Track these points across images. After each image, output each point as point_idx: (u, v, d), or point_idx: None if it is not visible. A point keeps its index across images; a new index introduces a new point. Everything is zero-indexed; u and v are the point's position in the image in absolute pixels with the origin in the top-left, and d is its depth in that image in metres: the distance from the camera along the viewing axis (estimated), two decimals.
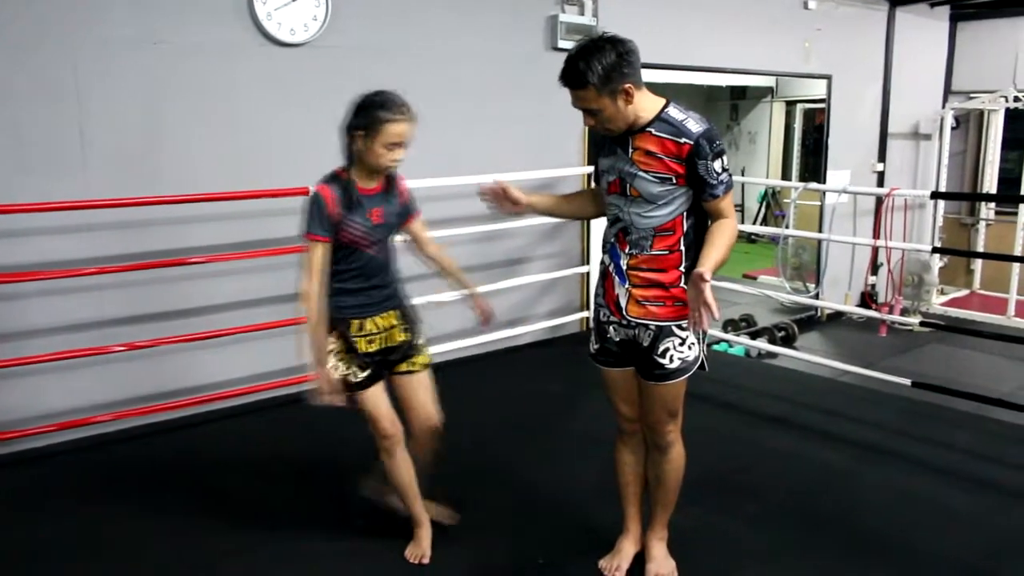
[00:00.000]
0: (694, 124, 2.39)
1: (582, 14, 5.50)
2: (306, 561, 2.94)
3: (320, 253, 2.64)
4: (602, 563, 2.84)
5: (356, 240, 2.67)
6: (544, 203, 2.80)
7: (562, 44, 5.35)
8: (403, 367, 2.86)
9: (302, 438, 3.99)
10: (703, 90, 11.01)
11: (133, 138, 3.99)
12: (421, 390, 2.89)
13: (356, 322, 2.74)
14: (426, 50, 4.88)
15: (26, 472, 3.67)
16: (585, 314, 5.76)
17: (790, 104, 11.43)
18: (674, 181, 2.40)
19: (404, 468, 2.86)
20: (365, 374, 2.76)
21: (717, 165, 2.38)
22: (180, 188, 4.02)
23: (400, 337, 2.84)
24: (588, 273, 5.69)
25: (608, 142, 2.54)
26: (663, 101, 2.44)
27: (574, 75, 2.35)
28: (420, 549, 2.89)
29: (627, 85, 2.34)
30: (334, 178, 2.67)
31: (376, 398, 2.80)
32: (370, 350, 2.77)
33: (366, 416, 2.80)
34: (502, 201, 2.72)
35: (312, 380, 2.68)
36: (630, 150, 2.45)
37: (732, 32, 6.51)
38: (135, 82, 3.97)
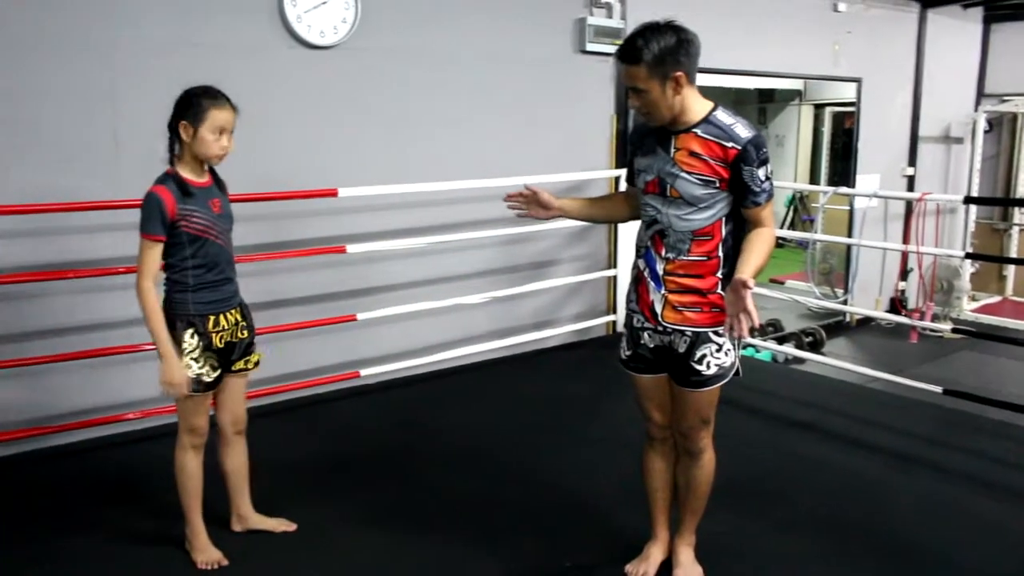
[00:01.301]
0: (743, 129, 2.36)
1: (610, 17, 5.49)
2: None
3: (157, 253, 2.65)
4: (629, 568, 2.82)
5: (204, 231, 2.68)
6: (574, 207, 2.77)
7: (590, 47, 5.35)
8: (239, 365, 2.87)
9: (333, 434, 4.01)
10: (730, 93, 10.95)
11: (165, 139, 4.01)
12: (240, 393, 2.92)
13: (212, 317, 2.74)
14: (455, 52, 4.89)
15: (51, 469, 3.70)
16: (612, 318, 5.74)
17: (819, 107, 11.33)
18: (717, 185, 2.37)
19: (200, 471, 2.86)
20: (216, 373, 2.77)
21: (761, 173, 2.36)
22: None
23: (241, 335, 2.85)
24: (615, 277, 5.68)
25: (648, 141, 2.50)
26: (711, 104, 2.42)
27: (629, 49, 2.32)
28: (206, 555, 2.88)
29: (678, 73, 2.31)
30: (166, 177, 2.69)
31: (205, 401, 2.81)
32: (219, 347, 2.77)
33: (188, 413, 2.77)
34: (532, 205, 2.70)
35: (168, 374, 2.65)
36: (672, 150, 2.41)
37: (760, 35, 6.47)
38: (167, 83, 3.94)
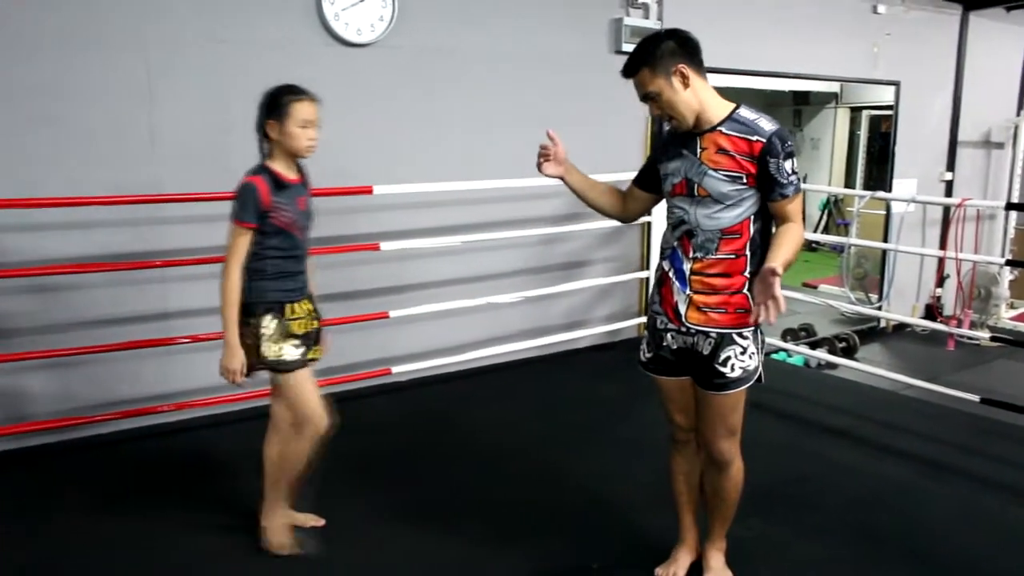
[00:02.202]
0: (767, 123, 2.39)
1: (647, 17, 5.47)
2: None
3: (247, 240, 2.72)
4: (659, 571, 2.81)
5: (290, 224, 2.76)
6: (578, 180, 2.80)
7: (626, 47, 5.32)
8: (311, 354, 2.92)
9: (365, 431, 4.03)
10: (764, 95, 10.87)
11: (201, 135, 4.07)
12: (313, 379, 2.93)
13: (288, 306, 2.80)
14: (490, 52, 4.90)
15: (87, 459, 3.76)
16: (643, 319, 5.72)
17: (855, 110, 11.22)
18: (744, 180, 2.38)
19: (306, 457, 2.88)
20: (299, 352, 2.81)
21: (788, 165, 2.37)
22: None
23: (313, 325, 2.90)
24: (648, 278, 5.66)
25: (673, 145, 2.51)
26: (733, 104, 2.44)
27: (630, 62, 2.41)
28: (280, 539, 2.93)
29: (680, 66, 2.36)
30: (261, 168, 2.77)
31: (308, 379, 2.85)
32: (299, 333, 2.83)
33: (292, 394, 2.81)
34: (547, 153, 2.75)
35: (227, 359, 2.72)
36: (698, 150, 2.43)
37: (798, 36, 6.41)
38: (204, 80, 4.06)
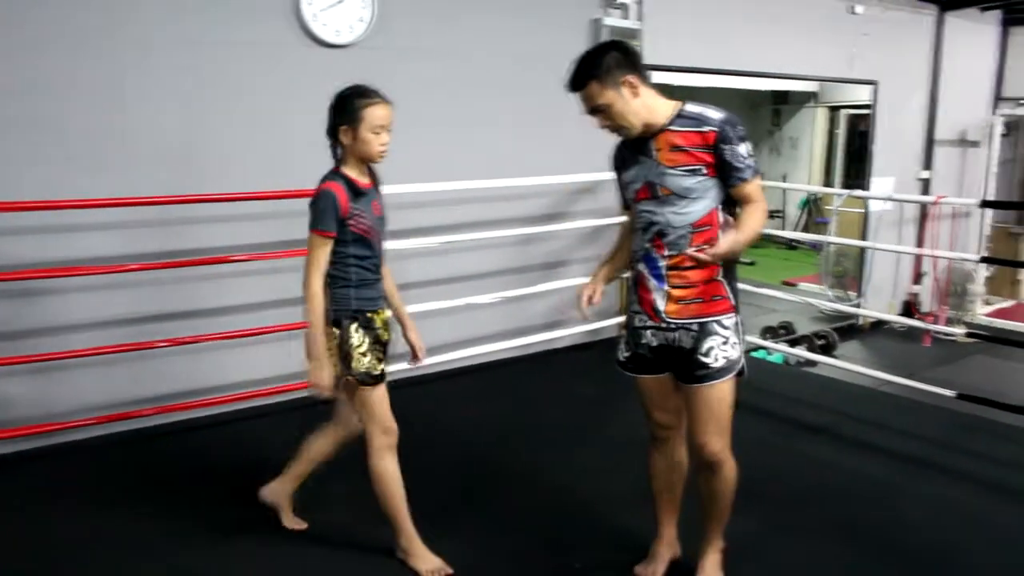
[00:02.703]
0: (714, 112, 2.42)
1: (626, 18, 5.48)
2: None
3: (327, 248, 2.66)
4: (638, 569, 2.82)
5: (368, 231, 2.70)
6: (610, 273, 2.85)
7: None
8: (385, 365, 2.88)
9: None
10: (744, 95, 10.93)
11: (177, 137, 4.05)
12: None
13: (370, 314, 2.75)
14: (470, 52, 4.90)
15: (61, 465, 3.73)
16: (623, 319, 5.72)
17: (833, 109, 11.30)
18: (704, 172, 2.42)
19: (396, 472, 2.83)
20: (382, 366, 2.79)
21: (742, 149, 2.41)
22: (223, 187, 4.07)
23: (388, 336, 2.87)
24: (627, 278, 5.66)
25: (628, 157, 2.55)
26: (677, 102, 2.48)
27: (576, 76, 2.43)
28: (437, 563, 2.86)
29: (629, 77, 2.39)
30: (336, 174, 2.71)
31: (386, 393, 2.83)
32: (385, 339, 2.82)
33: (372, 411, 2.78)
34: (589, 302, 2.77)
35: (314, 374, 2.67)
36: (653, 152, 2.46)
37: (776, 37, 6.45)
38: (180, 81, 4.03)
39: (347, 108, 2.66)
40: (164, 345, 4.02)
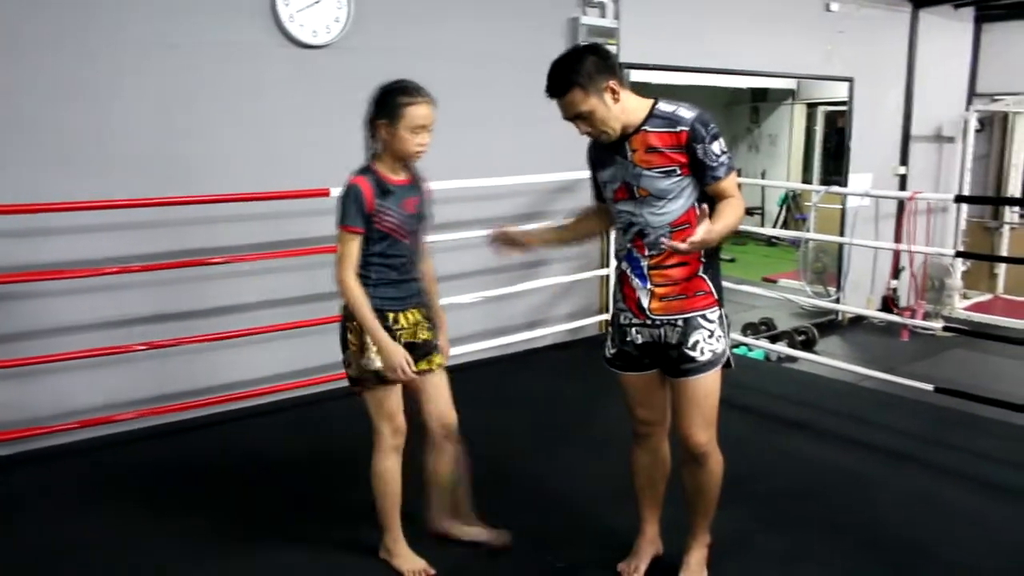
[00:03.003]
0: (686, 111, 2.41)
1: (603, 17, 5.50)
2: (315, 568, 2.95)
3: (357, 244, 2.64)
4: (621, 566, 2.82)
5: (394, 229, 2.66)
6: (547, 236, 2.85)
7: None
8: (423, 365, 2.82)
9: (315, 438, 4.01)
10: (723, 92, 10.97)
11: (156, 139, 4.02)
12: (440, 389, 2.88)
13: (391, 315, 2.71)
14: (448, 52, 4.89)
15: (47, 469, 3.70)
16: (604, 317, 5.74)
17: (811, 107, 11.36)
18: (679, 172, 2.42)
19: (397, 473, 2.83)
20: None
21: (715, 147, 2.41)
22: (202, 189, 4.05)
23: (423, 335, 2.81)
24: (608, 276, 5.68)
25: (604, 154, 2.55)
26: (651, 101, 2.47)
27: (558, 81, 2.39)
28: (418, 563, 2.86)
29: (611, 82, 2.38)
30: (365, 169, 2.68)
31: (397, 395, 2.78)
32: (400, 343, 2.73)
33: (381, 411, 2.77)
34: (504, 246, 2.79)
35: (385, 358, 2.64)
36: (628, 153, 2.46)
37: (753, 34, 6.48)
38: (158, 83, 4.01)
39: (388, 103, 2.61)
40: (144, 348, 3.99)
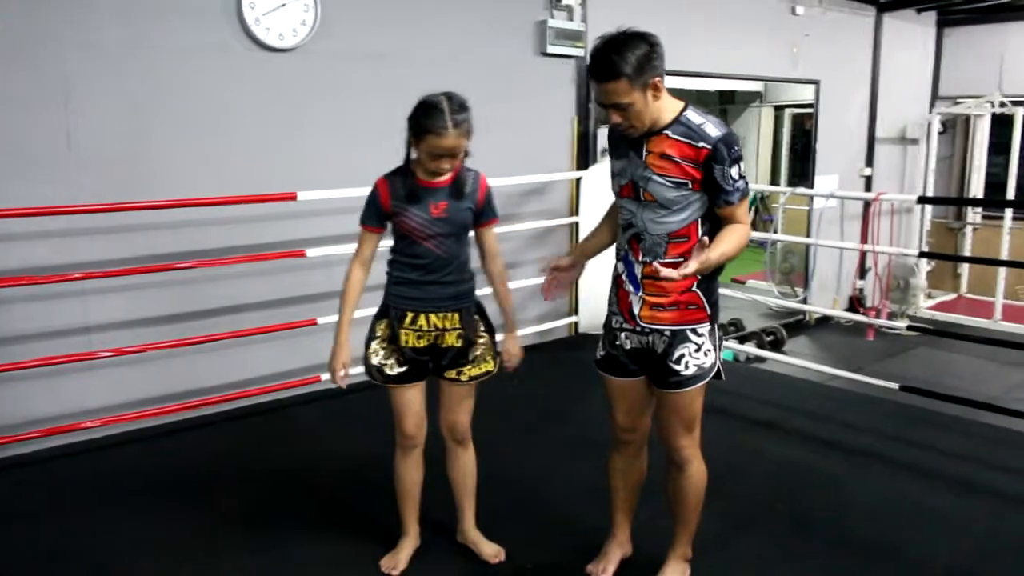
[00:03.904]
0: (713, 128, 2.33)
1: (571, 20, 5.51)
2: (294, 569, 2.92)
3: (368, 241, 2.71)
4: (589, 568, 2.82)
5: (412, 231, 2.63)
6: (589, 247, 2.74)
7: (551, 49, 5.36)
8: (451, 374, 2.78)
9: (290, 442, 3.99)
10: (690, 95, 11.03)
11: (122, 142, 3.98)
12: (456, 399, 2.84)
13: (410, 315, 2.68)
14: (415, 55, 4.88)
15: (10, 479, 3.63)
16: (574, 319, 5.75)
17: (778, 109, 11.47)
18: (690, 186, 2.35)
19: (412, 471, 2.87)
20: (401, 369, 2.72)
21: (734, 172, 2.34)
22: (169, 193, 4.01)
23: (451, 341, 2.73)
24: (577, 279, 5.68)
25: (621, 145, 2.47)
26: (682, 104, 2.40)
27: (607, 67, 2.27)
28: (395, 559, 2.86)
29: (656, 79, 2.30)
30: (398, 170, 2.67)
31: (406, 396, 2.76)
32: (417, 346, 2.70)
33: (393, 410, 2.78)
34: (560, 278, 2.72)
35: (330, 358, 2.71)
36: (644, 153, 2.39)
37: (720, 37, 6.53)
38: (124, 86, 3.96)
39: (415, 122, 2.55)
40: (111, 355, 3.93)
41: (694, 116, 2.37)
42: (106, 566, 2.93)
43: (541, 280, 5.21)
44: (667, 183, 2.36)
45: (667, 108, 2.37)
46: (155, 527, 3.17)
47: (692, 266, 2.20)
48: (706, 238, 2.26)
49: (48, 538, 3.11)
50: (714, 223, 2.43)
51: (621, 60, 2.26)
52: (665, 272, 2.23)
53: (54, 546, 3.05)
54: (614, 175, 2.52)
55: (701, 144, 2.32)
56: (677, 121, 2.36)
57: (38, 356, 3.76)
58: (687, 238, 2.40)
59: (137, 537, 3.10)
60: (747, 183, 2.40)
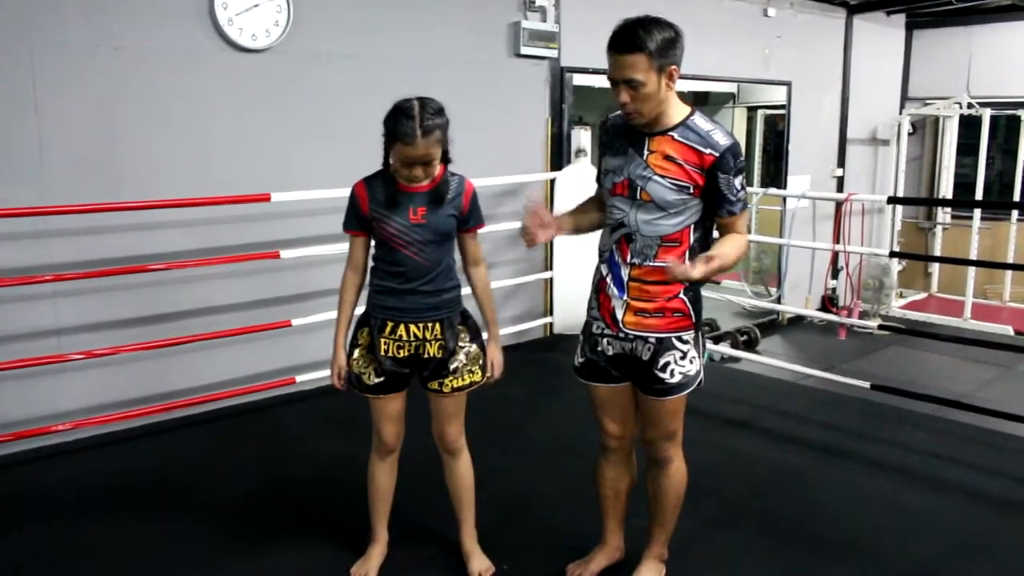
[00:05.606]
0: (722, 136, 2.32)
1: (544, 21, 5.53)
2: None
3: (355, 246, 2.68)
4: (570, 567, 2.82)
5: (390, 237, 2.56)
6: (568, 222, 2.61)
7: (525, 51, 5.37)
8: (433, 385, 2.71)
9: (265, 444, 3.97)
10: None
11: (93, 144, 3.94)
12: (444, 411, 2.79)
13: (390, 324, 2.63)
14: (389, 56, 4.87)
15: None
16: (549, 320, 5.76)
17: (752, 110, 11.52)
18: (691, 191, 2.32)
19: (385, 476, 2.86)
20: (379, 380, 2.67)
21: (738, 182, 2.33)
22: (141, 194, 3.97)
23: (432, 352, 2.66)
24: (552, 279, 5.70)
25: (619, 142, 2.43)
26: (689, 108, 2.37)
27: (631, 38, 2.23)
28: (365, 567, 2.83)
29: (673, 67, 2.28)
30: (377, 173, 2.61)
31: (384, 407, 2.73)
32: (398, 356, 2.65)
33: (372, 414, 2.76)
34: (536, 225, 2.48)
35: (331, 363, 2.71)
36: (645, 152, 2.35)
37: (693, 39, 6.47)
38: (95, 87, 3.92)
39: (387, 127, 2.49)
40: (82, 358, 3.89)
41: (702, 122, 2.35)
42: (79, 572, 2.90)
43: (514, 281, 5.19)
44: (669, 185, 2.32)
45: (675, 108, 2.35)
46: (129, 531, 3.14)
47: (699, 270, 2.17)
48: (704, 255, 2.23)
49: (19, 544, 3.07)
50: (706, 230, 2.42)
51: (647, 35, 2.23)
52: (672, 265, 2.23)
53: (24, 552, 3.01)
54: (607, 172, 2.47)
55: (708, 151, 2.30)
56: (684, 124, 2.34)
57: (8, 359, 3.71)
58: (679, 243, 2.38)
59: (110, 540, 3.07)
60: (747, 194, 2.40)
